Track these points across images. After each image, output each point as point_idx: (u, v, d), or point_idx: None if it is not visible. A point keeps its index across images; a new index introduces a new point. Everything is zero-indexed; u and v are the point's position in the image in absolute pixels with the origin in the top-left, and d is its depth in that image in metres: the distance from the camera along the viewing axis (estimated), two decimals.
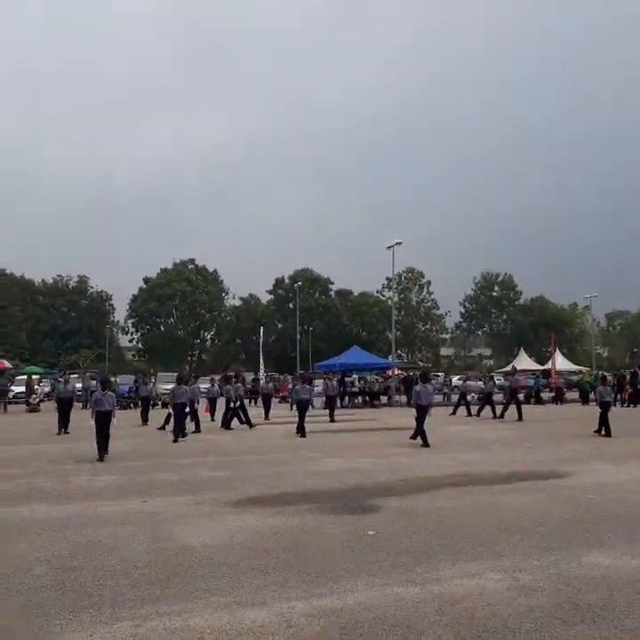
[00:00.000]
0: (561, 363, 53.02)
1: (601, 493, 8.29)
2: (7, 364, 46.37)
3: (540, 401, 32.47)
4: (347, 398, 32.13)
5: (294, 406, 19.42)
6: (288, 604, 4.59)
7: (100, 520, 7.26)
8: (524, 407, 27.03)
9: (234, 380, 20.72)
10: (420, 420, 14.46)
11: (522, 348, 67.40)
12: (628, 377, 30.16)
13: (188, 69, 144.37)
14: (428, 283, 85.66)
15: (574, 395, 35.73)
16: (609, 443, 14.46)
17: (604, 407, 16.26)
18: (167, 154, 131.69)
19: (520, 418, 21.14)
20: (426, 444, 14.03)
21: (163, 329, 79.07)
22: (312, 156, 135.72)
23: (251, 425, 19.38)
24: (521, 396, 35.05)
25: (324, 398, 30.96)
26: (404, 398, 32.22)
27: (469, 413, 23.53)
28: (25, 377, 35.28)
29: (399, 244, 36.70)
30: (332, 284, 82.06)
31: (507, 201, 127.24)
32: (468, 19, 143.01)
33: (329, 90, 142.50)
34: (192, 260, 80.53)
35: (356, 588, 4.88)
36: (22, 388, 33.02)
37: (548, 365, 48.47)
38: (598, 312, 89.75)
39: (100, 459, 12.35)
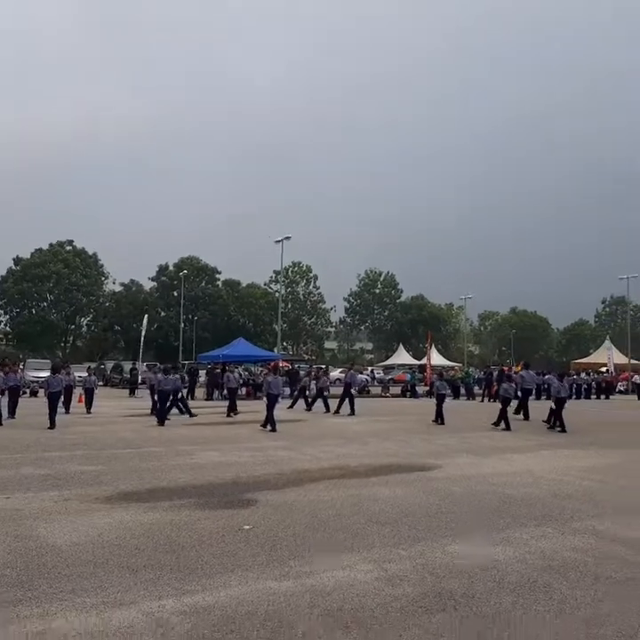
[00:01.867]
0: (436, 359, 55.80)
1: (466, 485, 8.80)
2: None
3: (415, 395, 33.87)
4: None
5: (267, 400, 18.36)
6: (158, 602, 4.49)
7: None
8: (401, 400, 28.11)
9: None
10: (270, 407, 16.36)
11: (400, 344, 70.28)
12: (496, 374, 32.21)
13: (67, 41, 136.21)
14: (315, 277, 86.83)
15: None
16: (475, 436, 15.35)
17: (504, 403, 17.37)
18: (50, 130, 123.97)
19: (337, 411, 21.42)
20: (274, 428, 15.84)
21: (34, 312, 74.36)
22: (201, 142, 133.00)
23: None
24: (398, 390, 36.58)
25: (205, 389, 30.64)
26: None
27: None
28: None
29: (288, 238, 36.95)
30: (219, 273, 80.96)
31: (393, 208, 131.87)
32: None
33: (227, 78, 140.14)
34: (70, 242, 76.31)
35: (229, 584, 4.87)
36: None
37: (424, 361, 50.79)
38: (472, 312, 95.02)
39: None
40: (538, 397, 27.06)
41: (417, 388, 35.30)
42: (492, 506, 7.55)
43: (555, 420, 16.93)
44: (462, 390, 33.58)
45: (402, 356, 63.83)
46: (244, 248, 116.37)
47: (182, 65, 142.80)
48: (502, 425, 17.00)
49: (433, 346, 57.87)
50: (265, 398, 17.58)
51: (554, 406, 17.09)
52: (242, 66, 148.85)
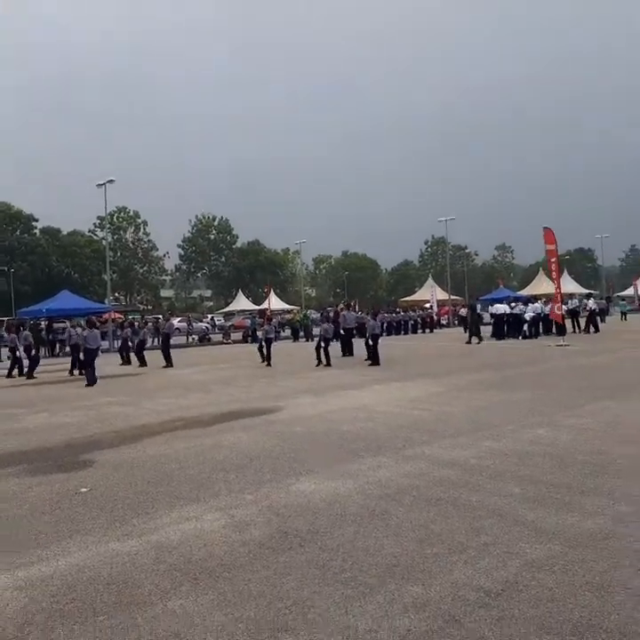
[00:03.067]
0: (275, 303, 56.54)
1: (306, 425, 9.07)
2: None
3: (256, 340, 34.15)
4: (57, 346, 29.96)
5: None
6: None
7: None
8: (243, 346, 28.29)
9: None
10: (87, 362, 16.53)
11: (239, 290, 70.13)
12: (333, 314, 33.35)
13: None
14: (145, 223, 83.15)
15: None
16: (315, 376, 15.84)
17: (326, 342, 18.59)
18: None
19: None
20: (90, 383, 15.85)
21: None
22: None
23: None
24: (239, 336, 36.65)
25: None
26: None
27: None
28: None
29: (111, 181, 34.69)
30: (36, 221, 74.51)
31: (223, 152, 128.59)
32: None
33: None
34: None
35: (68, 551, 4.61)
36: None
37: (265, 305, 51.27)
38: (306, 257, 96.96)
39: None
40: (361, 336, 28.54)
41: (258, 333, 35.61)
42: (332, 442, 7.86)
43: (372, 355, 18.12)
44: (301, 332, 34.45)
45: (241, 302, 63.80)
46: (63, 193, 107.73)
47: None
48: (325, 361, 18.24)
49: (272, 290, 58.57)
50: (81, 354, 17.06)
51: (370, 342, 18.27)
52: None
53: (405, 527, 4.75)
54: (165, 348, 21.21)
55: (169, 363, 20.69)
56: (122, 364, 22.30)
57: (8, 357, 20.68)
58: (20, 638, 3.40)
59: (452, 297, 54.34)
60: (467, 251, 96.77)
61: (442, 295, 51.93)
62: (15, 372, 19.43)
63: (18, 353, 19.54)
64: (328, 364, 17.93)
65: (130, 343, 23.24)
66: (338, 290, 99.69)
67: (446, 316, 46.63)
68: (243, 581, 3.97)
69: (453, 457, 6.82)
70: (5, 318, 37.87)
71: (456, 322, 42.35)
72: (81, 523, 5.24)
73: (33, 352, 19.30)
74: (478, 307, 27.64)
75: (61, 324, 30.30)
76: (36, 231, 74.34)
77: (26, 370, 18.98)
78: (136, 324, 28.37)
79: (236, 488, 6.02)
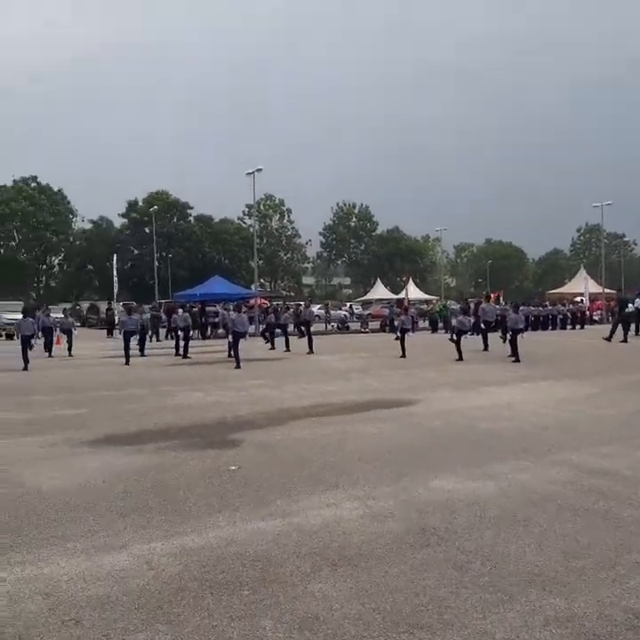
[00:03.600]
0: (414, 292, 56.10)
1: (446, 420, 8.97)
2: None
3: (393, 330, 34.14)
4: (209, 329, 31.83)
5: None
6: (149, 545, 4.55)
7: None
8: (381, 335, 28.36)
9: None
10: (235, 345, 17.25)
11: (378, 278, 70.36)
12: (473, 306, 32.49)
13: None
14: (289, 211, 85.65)
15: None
16: (455, 370, 15.60)
17: (459, 335, 17.98)
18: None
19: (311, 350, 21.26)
20: (238, 365, 16.60)
21: (2, 252, 72.69)
22: (175, 76, 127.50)
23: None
24: (377, 325, 36.84)
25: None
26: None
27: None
28: None
29: (259, 170, 36.08)
30: (191, 208, 79.31)
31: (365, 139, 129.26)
32: None
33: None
34: (34, 178, 73.82)
35: (217, 525, 4.95)
36: None
37: (402, 295, 51.04)
38: (447, 244, 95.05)
39: None
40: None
41: (395, 323, 35.58)
42: (472, 440, 7.72)
43: (512, 351, 17.27)
44: (440, 323, 33.91)
45: (379, 291, 64.01)
46: (215, 182, 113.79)
47: None
48: (457, 355, 17.48)
49: (410, 279, 58.17)
50: (230, 336, 17.92)
51: (510, 337, 17.44)
52: None
53: (549, 536, 4.57)
54: (308, 334, 21.77)
55: (310, 348, 21.26)
56: (270, 348, 23.21)
57: (171, 337, 22.33)
58: (175, 603, 3.71)
59: (607, 290, 50.75)
60: (625, 239, 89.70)
61: (595, 288, 48.76)
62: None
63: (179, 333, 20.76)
64: (459, 359, 17.40)
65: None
66: (480, 280, 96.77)
67: (599, 311, 43.71)
68: (380, 573, 4.04)
69: (604, 466, 6.44)
70: (164, 301, 40.86)
71: (610, 317, 39.55)
72: (229, 499, 5.59)
73: (190, 333, 20.63)
74: (637, 301, 25.56)
75: (212, 308, 32.21)
76: (191, 219, 79.14)
77: (182, 350, 20.36)
78: (279, 309, 29.47)
79: (374, 478, 6.11)
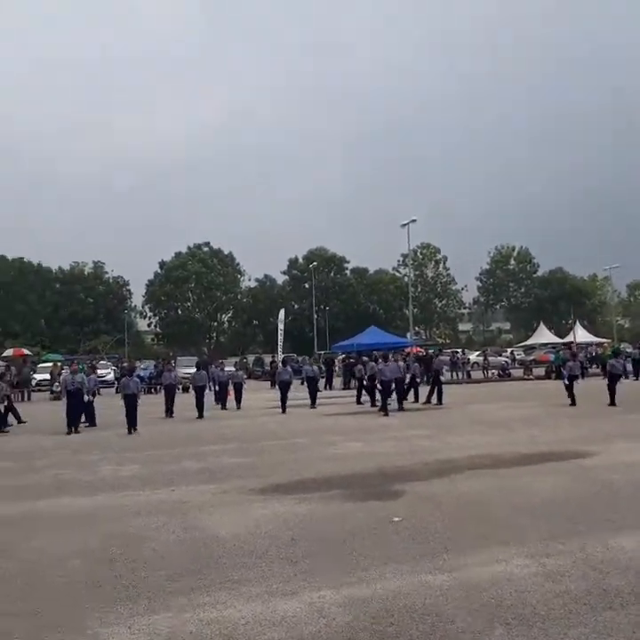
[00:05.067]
0: (582, 335, 52.70)
1: (625, 473, 8.29)
2: (26, 351, 46.93)
3: (560, 376, 32.22)
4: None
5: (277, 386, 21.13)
6: (318, 593, 4.67)
7: (129, 511, 7.41)
8: (546, 383, 26.89)
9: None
10: (384, 392, 17.97)
11: (541, 322, 67.06)
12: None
13: (197, 43, 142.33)
14: (445, 258, 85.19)
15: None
16: (631, 419, 14.37)
17: (612, 379, 17.46)
18: (175, 137, 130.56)
19: (439, 401, 20.00)
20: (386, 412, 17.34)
21: (180, 312, 79.51)
22: (326, 134, 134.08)
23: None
24: (541, 371, 34.98)
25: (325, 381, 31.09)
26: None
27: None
28: (49, 365, 35.63)
29: (414, 221, 36.45)
30: (348, 262, 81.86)
31: (520, 175, 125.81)
32: None
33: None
34: (206, 243, 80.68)
35: (384, 577, 4.96)
36: (45, 376, 33.39)
37: (569, 338, 48.15)
38: (619, 283, 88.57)
39: (133, 429, 15.45)
40: None
41: (563, 370, 33.58)
42: None
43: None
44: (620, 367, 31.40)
45: (543, 335, 60.84)
46: (369, 235, 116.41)
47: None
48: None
49: (577, 322, 54.81)
50: (379, 385, 18.17)
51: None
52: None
53: None
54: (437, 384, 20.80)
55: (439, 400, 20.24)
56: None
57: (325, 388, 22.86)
58: None
59: None
60: None
61: None
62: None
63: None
64: (611, 403, 16.34)
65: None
66: None
67: None
68: (558, 635, 3.81)
69: None
70: (322, 352, 42.09)
71: None
72: (395, 551, 5.58)
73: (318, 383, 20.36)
74: None
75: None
76: (347, 271, 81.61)
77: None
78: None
79: (546, 535, 5.79)
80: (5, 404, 16.54)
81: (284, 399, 19.67)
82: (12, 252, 76.78)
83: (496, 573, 4.90)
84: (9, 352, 45.41)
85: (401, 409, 18.37)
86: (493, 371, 37.85)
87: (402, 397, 19.02)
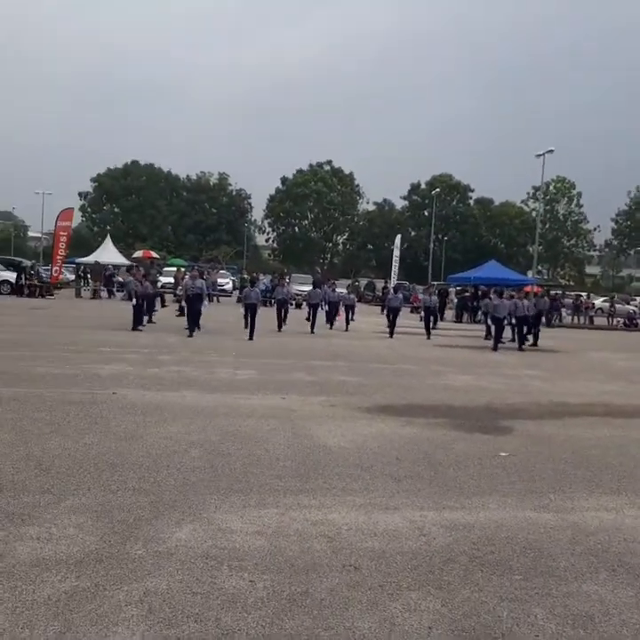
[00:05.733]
0: None
1: None
2: (154, 254, 49.62)
3: None
4: (480, 313, 31.45)
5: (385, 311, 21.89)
6: (420, 512, 4.78)
7: (244, 411, 7.84)
8: None
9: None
10: (497, 331, 17.86)
11: None
12: None
13: None
14: (579, 194, 79.71)
15: None
16: None
17: None
18: (315, 52, 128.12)
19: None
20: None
21: (297, 230, 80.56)
22: (468, 57, 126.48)
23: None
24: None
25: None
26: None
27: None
28: (173, 269, 37.49)
29: (551, 151, 34.14)
30: (472, 191, 78.65)
31: None
32: None
33: None
34: (329, 162, 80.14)
35: (487, 507, 4.98)
36: (169, 279, 35.18)
37: None
38: None
39: (250, 338, 16.08)
40: None
41: None
42: None
43: None
44: None
45: None
46: (500, 163, 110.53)
47: None
48: None
49: None
50: (490, 321, 18.74)
51: None
52: None
53: None
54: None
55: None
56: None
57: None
58: (446, 571, 3.85)
59: None
60: None
61: None
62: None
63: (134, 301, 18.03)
64: None
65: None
66: None
67: None
68: None
69: None
70: (436, 282, 41.37)
71: None
72: (499, 484, 5.57)
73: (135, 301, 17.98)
74: None
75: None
76: (471, 201, 78.56)
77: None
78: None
79: None
80: (136, 302, 17.49)
81: (392, 324, 19.83)
82: (145, 158, 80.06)
83: (605, 520, 4.79)
84: (139, 254, 48.25)
85: (521, 349, 17.83)
86: (619, 319, 35.72)
87: (523, 337, 18.37)
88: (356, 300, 24.89)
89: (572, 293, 42.14)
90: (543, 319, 23.16)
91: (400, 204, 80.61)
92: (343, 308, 23.00)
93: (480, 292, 28.38)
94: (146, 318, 18.45)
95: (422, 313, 21.06)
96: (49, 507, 4.49)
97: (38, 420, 6.89)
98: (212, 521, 4.39)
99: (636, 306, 44.96)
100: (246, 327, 16.70)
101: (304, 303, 25.98)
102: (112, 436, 6.37)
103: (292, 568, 3.77)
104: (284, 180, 79.34)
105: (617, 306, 37.80)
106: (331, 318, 22.14)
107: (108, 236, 46.58)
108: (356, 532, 4.37)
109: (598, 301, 41.14)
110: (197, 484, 5.14)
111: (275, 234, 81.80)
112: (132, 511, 4.48)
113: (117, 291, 33.25)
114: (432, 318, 21.01)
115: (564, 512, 4.93)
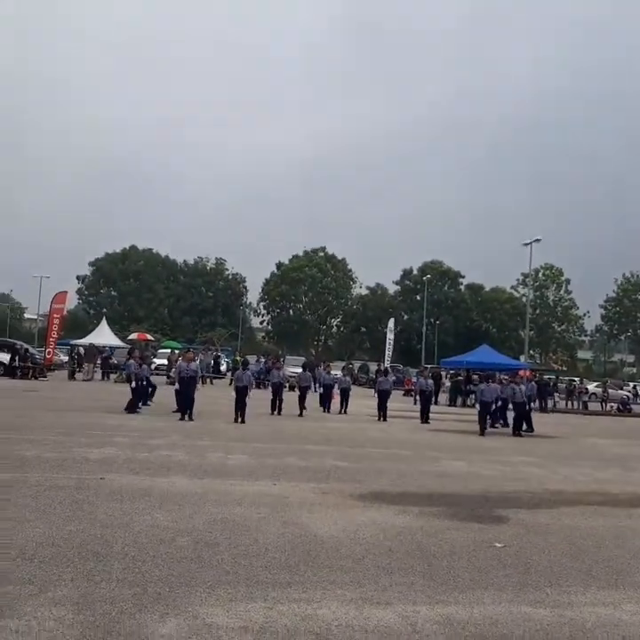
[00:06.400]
0: None
1: None
2: (149, 336, 49.85)
3: None
4: (472, 397, 31.41)
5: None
6: (413, 607, 4.63)
7: (234, 498, 7.68)
8: None
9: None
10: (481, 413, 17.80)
11: None
12: None
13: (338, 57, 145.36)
14: (567, 281, 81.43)
15: None
16: None
17: None
18: (303, 143, 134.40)
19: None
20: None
21: (292, 313, 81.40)
22: (452, 148, 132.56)
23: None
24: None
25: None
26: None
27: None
28: (167, 351, 37.57)
29: (538, 240, 35.20)
30: (463, 277, 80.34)
31: None
32: None
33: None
34: (323, 248, 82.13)
35: (482, 601, 4.83)
36: (163, 361, 35.16)
37: None
38: None
39: (241, 421, 16.09)
40: None
41: None
42: None
43: None
44: None
45: None
46: (489, 252, 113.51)
47: None
48: None
49: None
50: (477, 405, 18.49)
51: None
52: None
53: None
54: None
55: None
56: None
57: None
58: None
59: None
60: None
61: None
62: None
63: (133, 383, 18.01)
64: None
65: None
66: None
67: None
68: None
69: None
70: (429, 366, 41.47)
71: None
72: (494, 577, 5.42)
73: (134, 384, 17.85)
74: None
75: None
76: (462, 287, 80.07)
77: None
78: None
79: None
80: (134, 384, 17.44)
81: (383, 408, 19.80)
82: (142, 243, 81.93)
83: (602, 616, 4.64)
84: (134, 336, 48.49)
85: (518, 435, 17.74)
86: (612, 404, 35.68)
87: (519, 423, 18.29)
88: (350, 382, 24.82)
89: (565, 378, 42.23)
90: (535, 404, 23.09)
91: (392, 288, 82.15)
92: (339, 391, 22.79)
93: (478, 377, 28.43)
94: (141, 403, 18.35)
95: (417, 396, 21.06)
96: (30, 598, 4.34)
97: (23, 506, 6.74)
98: (197, 615, 4.24)
99: (630, 391, 45.05)
100: (237, 411, 16.47)
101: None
102: (98, 524, 6.22)
103: None
104: (279, 265, 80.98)
105: (610, 391, 37.84)
106: (325, 401, 21.99)
107: (104, 318, 46.89)
108: (346, 628, 4.22)
109: (591, 386, 41.22)
110: (183, 575, 4.99)
111: (270, 316, 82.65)
112: (114, 603, 4.33)
113: (113, 373, 33.09)
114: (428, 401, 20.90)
115: (561, 607, 4.79)
